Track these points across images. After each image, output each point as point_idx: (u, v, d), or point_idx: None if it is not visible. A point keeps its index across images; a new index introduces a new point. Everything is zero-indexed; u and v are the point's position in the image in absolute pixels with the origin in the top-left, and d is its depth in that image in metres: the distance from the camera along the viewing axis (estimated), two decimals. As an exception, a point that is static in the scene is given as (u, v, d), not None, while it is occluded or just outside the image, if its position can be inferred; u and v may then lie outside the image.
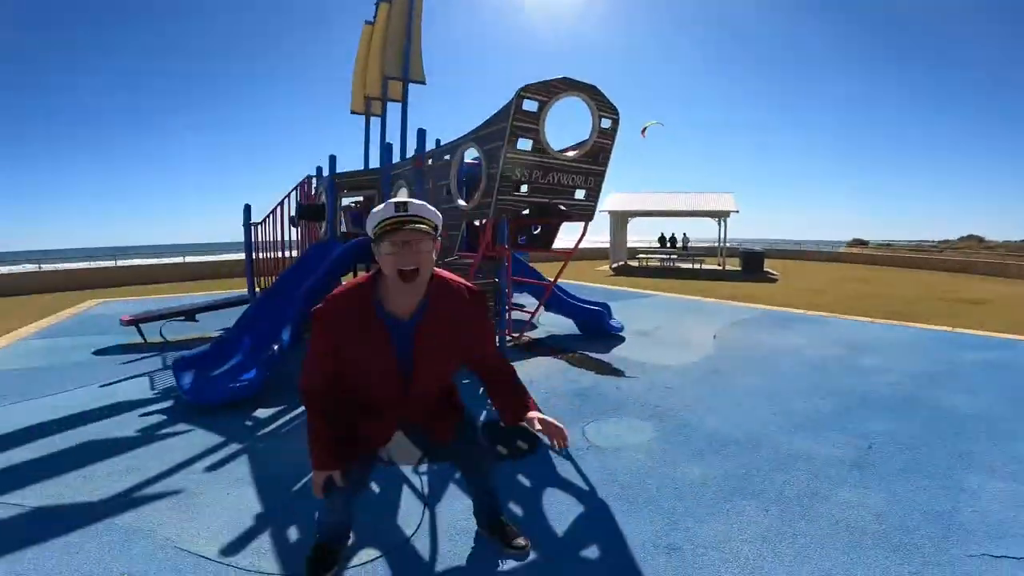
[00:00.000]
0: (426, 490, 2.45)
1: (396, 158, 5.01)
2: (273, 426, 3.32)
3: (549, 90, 3.04)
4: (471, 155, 3.75)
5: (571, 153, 3.40)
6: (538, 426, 1.67)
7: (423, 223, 1.53)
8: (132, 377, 4.38)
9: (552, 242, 4.48)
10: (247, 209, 6.38)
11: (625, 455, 2.86)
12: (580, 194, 3.59)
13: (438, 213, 1.60)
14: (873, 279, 14.16)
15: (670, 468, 2.70)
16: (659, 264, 17.60)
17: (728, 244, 17.86)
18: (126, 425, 3.30)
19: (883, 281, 13.60)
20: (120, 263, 14.71)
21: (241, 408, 3.58)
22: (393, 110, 6.25)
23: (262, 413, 3.53)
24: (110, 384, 4.19)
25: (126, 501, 2.35)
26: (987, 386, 4.11)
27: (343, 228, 6.06)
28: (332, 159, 5.47)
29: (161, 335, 5.86)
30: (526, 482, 2.54)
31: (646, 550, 1.99)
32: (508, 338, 5.02)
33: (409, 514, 2.24)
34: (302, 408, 3.61)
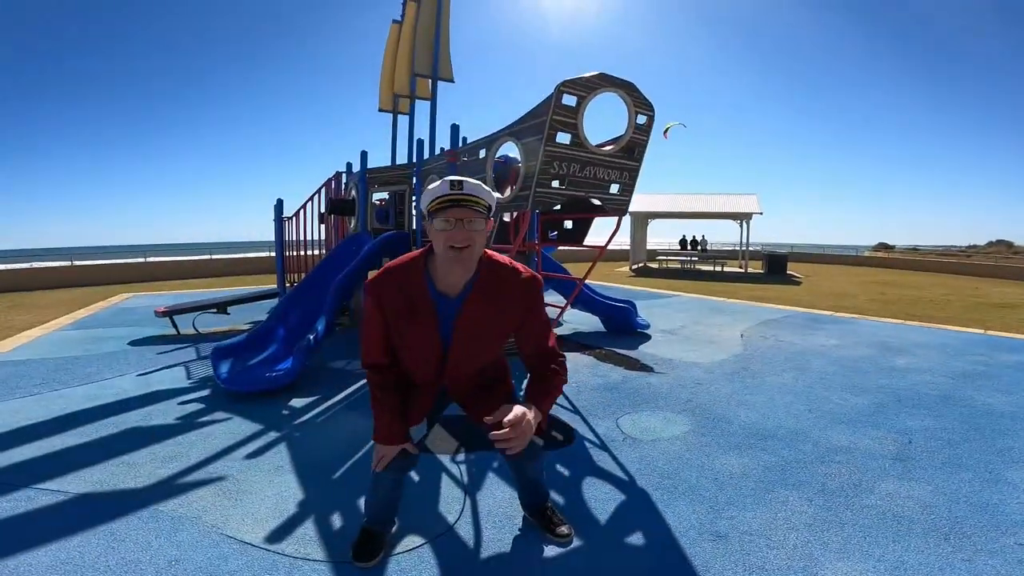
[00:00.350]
0: (465, 479, 2.47)
1: (426, 154, 5.07)
2: (309, 415, 3.37)
3: (587, 85, 3.06)
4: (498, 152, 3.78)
5: (608, 148, 3.41)
6: (500, 417, 1.56)
7: (477, 202, 1.55)
8: (168, 367, 4.48)
9: (584, 238, 4.48)
10: (279, 204, 6.49)
11: (661, 446, 2.86)
12: (615, 188, 3.60)
13: (492, 194, 1.62)
14: (900, 283, 13.88)
15: (708, 459, 2.69)
16: (679, 266, 17.46)
17: (750, 247, 17.64)
18: (166, 413, 3.38)
19: (910, 285, 13.33)
20: (150, 259, 15.04)
21: (276, 397, 3.65)
22: (421, 108, 6.33)
23: (297, 402, 3.59)
24: (147, 373, 4.30)
25: (170, 488, 2.38)
26: (1022, 386, 4.02)
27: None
28: (363, 155, 5.54)
29: (194, 327, 6.00)
30: (564, 471, 2.55)
31: (691, 537, 1.98)
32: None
33: (450, 502, 2.26)
34: (336, 398, 3.71)
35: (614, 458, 2.70)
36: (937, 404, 3.61)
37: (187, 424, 3.20)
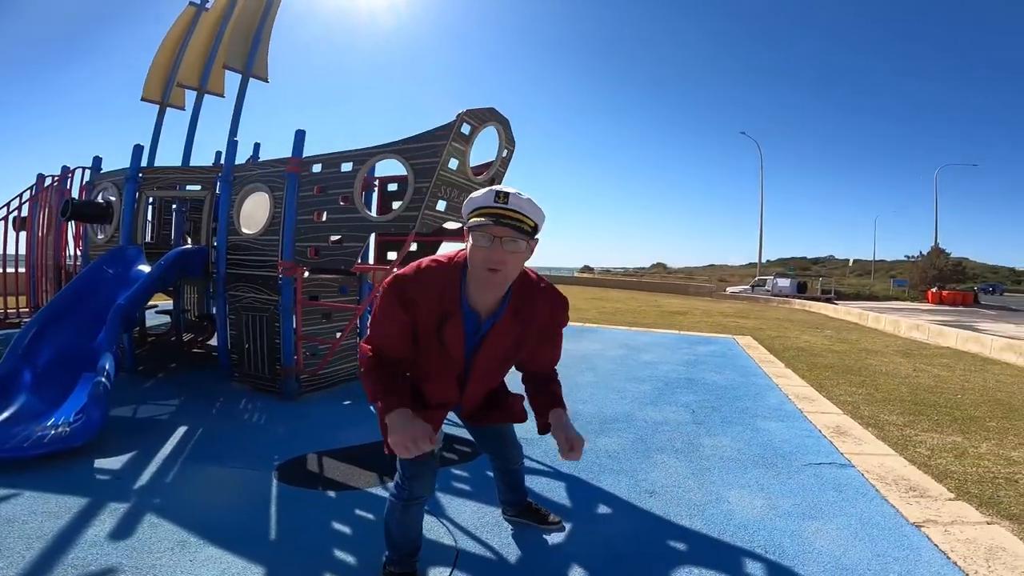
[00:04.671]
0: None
1: (237, 159, 4.43)
2: (147, 476, 2.62)
3: (481, 117, 3.34)
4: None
5: (480, 177, 3.72)
6: (563, 440, 1.63)
7: (521, 220, 1.42)
8: None
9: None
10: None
11: (549, 440, 3.26)
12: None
13: (542, 212, 1.49)
14: (607, 298, 17.84)
15: (592, 444, 3.24)
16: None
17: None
18: None
19: (614, 299, 17.26)
20: None
21: (63, 460, 2.68)
22: (211, 104, 5.44)
23: (108, 463, 2.74)
24: None
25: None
26: (723, 367, 5.93)
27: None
28: (137, 149, 4.46)
29: None
30: (489, 474, 2.72)
31: (634, 497, 2.48)
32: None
33: (429, 526, 2.12)
34: (166, 450, 3.00)
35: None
36: (687, 384, 5.03)
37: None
